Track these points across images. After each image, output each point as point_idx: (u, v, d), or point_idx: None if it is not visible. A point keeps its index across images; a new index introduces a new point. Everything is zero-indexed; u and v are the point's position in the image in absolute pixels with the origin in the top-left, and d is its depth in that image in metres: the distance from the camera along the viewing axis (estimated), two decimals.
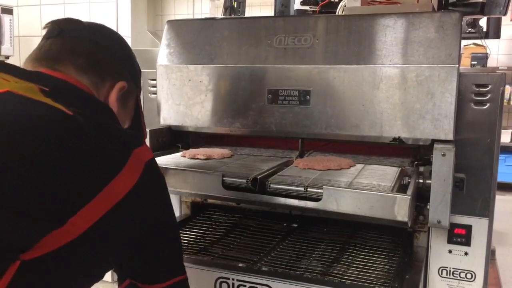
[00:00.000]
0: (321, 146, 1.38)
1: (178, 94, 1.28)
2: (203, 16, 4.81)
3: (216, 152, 1.29)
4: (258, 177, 1.03)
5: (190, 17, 5.09)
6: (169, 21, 1.33)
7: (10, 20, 2.95)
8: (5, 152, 0.58)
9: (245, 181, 1.02)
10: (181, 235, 1.27)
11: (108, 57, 0.84)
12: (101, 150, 0.67)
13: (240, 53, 1.22)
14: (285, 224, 1.34)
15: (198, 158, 1.24)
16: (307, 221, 1.33)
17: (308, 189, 0.97)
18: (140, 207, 0.70)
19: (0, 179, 0.56)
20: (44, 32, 0.83)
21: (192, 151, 1.29)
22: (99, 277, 0.72)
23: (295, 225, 1.33)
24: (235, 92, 1.23)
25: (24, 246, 0.56)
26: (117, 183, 0.65)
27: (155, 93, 1.33)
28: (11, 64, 0.75)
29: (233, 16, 3.70)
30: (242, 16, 3.77)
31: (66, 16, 0.90)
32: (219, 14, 4.90)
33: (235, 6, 3.74)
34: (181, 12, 5.23)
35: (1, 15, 2.89)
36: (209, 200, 1.41)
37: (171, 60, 1.29)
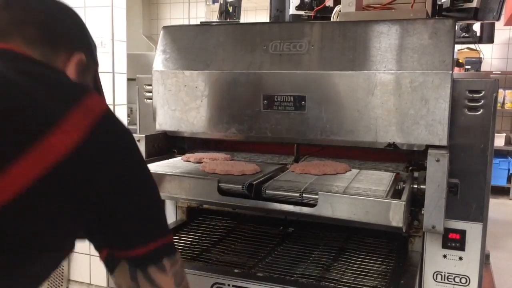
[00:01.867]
0: (316, 151, 1.39)
1: (174, 99, 1.28)
2: (198, 21, 4.81)
3: (215, 156, 1.30)
4: (254, 182, 1.03)
5: (186, 21, 5.09)
6: (164, 27, 1.33)
7: None
8: None
9: (240, 186, 1.02)
10: (177, 240, 1.27)
11: (60, 27, 0.76)
12: (32, 102, 0.59)
13: (236, 59, 1.22)
14: (281, 229, 1.34)
15: (204, 162, 1.25)
16: (302, 226, 1.33)
17: (304, 195, 0.98)
18: (96, 165, 0.61)
19: None
20: None
21: (198, 155, 1.30)
22: (65, 248, 0.67)
23: (291, 230, 1.34)
24: (231, 98, 1.23)
25: None
26: (56, 138, 0.57)
27: (151, 99, 1.33)
28: None
29: (228, 20, 3.71)
30: (237, 20, 3.78)
31: None
32: (214, 18, 4.90)
33: (231, 11, 3.75)
34: (177, 16, 5.23)
35: None
36: (205, 206, 1.41)
37: (167, 65, 1.29)
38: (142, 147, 1.24)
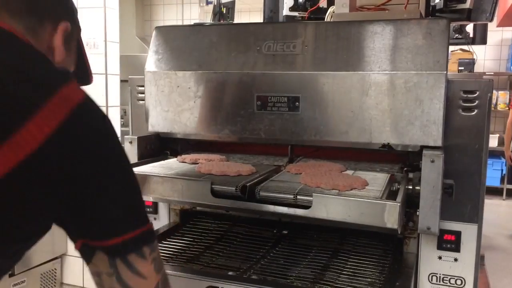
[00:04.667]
0: (311, 152, 1.38)
1: (167, 100, 1.27)
2: (192, 22, 4.80)
3: (211, 157, 1.29)
4: (248, 184, 1.02)
5: (179, 22, 5.07)
6: (157, 28, 1.32)
7: None
8: None
9: (234, 188, 1.01)
10: (171, 243, 1.26)
11: None
12: (8, 95, 0.61)
13: (229, 60, 1.21)
14: (275, 231, 1.33)
15: (199, 162, 1.24)
16: (297, 227, 1.32)
17: (298, 197, 0.97)
18: (70, 155, 0.62)
19: None
20: None
21: (193, 156, 1.29)
22: (35, 236, 0.67)
23: (285, 232, 1.32)
24: (224, 99, 1.22)
25: None
26: (32, 127, 0.58)
27: (143, 100, 1.32)
28: None
29: (222, 21, 3.70)
30: (231, 21, 3.77)
31: None
32: (208, 19, 4.89)
33: (224, 12, 3.75)
34: (170, 17, 5.21)
35: None
36: (198, 208, 1.40)
37: (159, 66, 1.28)
38: (134, 148, 1.23)
